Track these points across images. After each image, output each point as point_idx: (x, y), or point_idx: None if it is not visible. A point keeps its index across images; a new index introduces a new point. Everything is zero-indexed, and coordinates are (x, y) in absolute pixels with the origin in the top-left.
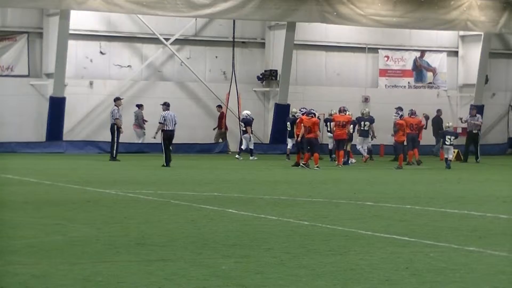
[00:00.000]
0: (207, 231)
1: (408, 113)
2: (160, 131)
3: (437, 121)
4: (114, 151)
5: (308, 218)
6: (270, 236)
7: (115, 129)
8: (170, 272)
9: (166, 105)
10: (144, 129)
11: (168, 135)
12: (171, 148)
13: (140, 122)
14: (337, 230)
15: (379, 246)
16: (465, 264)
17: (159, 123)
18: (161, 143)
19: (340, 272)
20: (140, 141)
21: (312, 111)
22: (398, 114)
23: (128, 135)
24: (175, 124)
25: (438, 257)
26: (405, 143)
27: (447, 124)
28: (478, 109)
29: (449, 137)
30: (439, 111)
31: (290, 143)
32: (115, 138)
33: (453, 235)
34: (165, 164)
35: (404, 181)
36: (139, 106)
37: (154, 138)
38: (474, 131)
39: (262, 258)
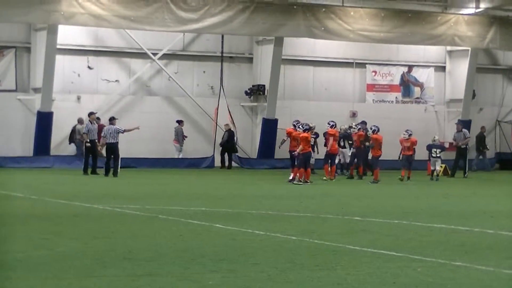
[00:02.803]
0: (194, 246)
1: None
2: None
3: (480, 138)
4: (83, 166)
5: (296, 233)
6: (258, 251)
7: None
8: (157, 287)
9: (110, 120)
10: (182, 145)
11: (108, 147)
12: (119, 159)
13: (179, 138)
14: (325, 245)
15: (366, 261)
16: (452, 278)
17: (102, 137)
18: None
19: (328, 287)
20: (178, 156)
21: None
22: (371, 128)
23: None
24: (116, 137)
25: (425, 272)
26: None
27: (434, 138)
28: (465, 124)
29: (435, 150)
30: (483, 128)
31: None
32: (84, 153)
33: (440, 250)
34: (105, 174)
35: (391, 196)
36: (179, 122)
37: (100, 150)
38: (462, 146)
39: (249, 273)
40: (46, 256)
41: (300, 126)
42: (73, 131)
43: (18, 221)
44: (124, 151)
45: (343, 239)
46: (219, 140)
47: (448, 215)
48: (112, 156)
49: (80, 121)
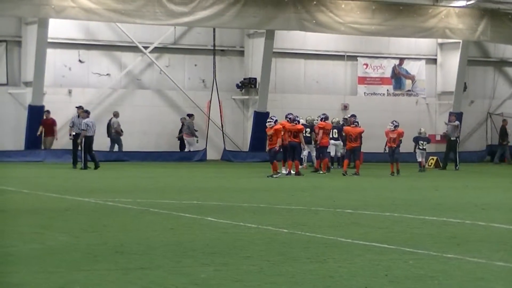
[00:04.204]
0: (186, 239)
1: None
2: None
3: (502, 131)
4: (73, 159)
5: (287, 226)
6: (249, 244)
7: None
8: (149, 281)
9: (87, 113)
10: (197, 137)
11: (90, 140)
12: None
13: (192, 131)
14: (316, 238)
15: (358, 253)
16: (443, 271)
17: (82, 129)
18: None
19: (319, 279)
20: (189, 150)
21: (297, 118)
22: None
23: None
24: (94, 131)
25: (416, 264)
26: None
27: (420, 130)
28: (457, 116)
29: (421, 142)
30: (504, 121)
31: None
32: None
33: (431, 242)
34: (83, 167)
35: (382, 189)
36: (190, 116)
37: (79, 143)
38: (452, 138)
39: (241, 266)
40: (37, 250)
41: (269, 119)
42: (109, 124)
43: (10, 215)
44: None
45: (335, 232)
46: (211, 133)
47: (440, 208)
48: (87, 149)
49: (115, 114)
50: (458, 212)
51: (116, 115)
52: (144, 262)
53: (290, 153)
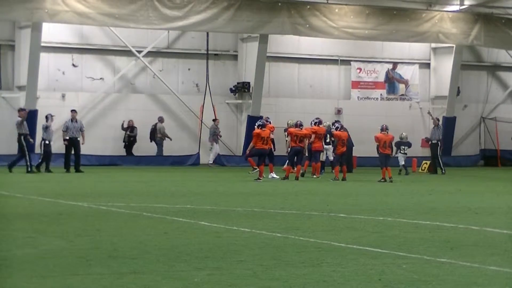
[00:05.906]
0: (179, 244)
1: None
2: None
3: None
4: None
5: (281, 230)
6: (243, 248)
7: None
8: (142, 285)
9: (46, 118)
10: (217, 143)
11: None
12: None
13: (213, 137)
14: (310, 242)
15: (352, 257)
16: (437, 275)
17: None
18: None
19: (313, 284)
20: (209, 156)
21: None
22: (333, 125)
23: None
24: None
25: (410, 268)
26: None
27: (402, 135)
28: (449, 121)
29: (403, 146)
30: None
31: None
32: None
33: (425, 247)
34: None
35: (376, 193)
36: (214, 120)
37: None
38: (433, 141)
39: (235, 270)
40: (30, 255)
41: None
42: (154, 129)
43: (3, 220)
44: (109, 149)
45: (328, 236)
46: (205, 137)
47: (433, 212)
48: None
49: (160, 119)
50: (452, 217)
51: (161, 120)
52: (138, 266)
53: (292, 157)
